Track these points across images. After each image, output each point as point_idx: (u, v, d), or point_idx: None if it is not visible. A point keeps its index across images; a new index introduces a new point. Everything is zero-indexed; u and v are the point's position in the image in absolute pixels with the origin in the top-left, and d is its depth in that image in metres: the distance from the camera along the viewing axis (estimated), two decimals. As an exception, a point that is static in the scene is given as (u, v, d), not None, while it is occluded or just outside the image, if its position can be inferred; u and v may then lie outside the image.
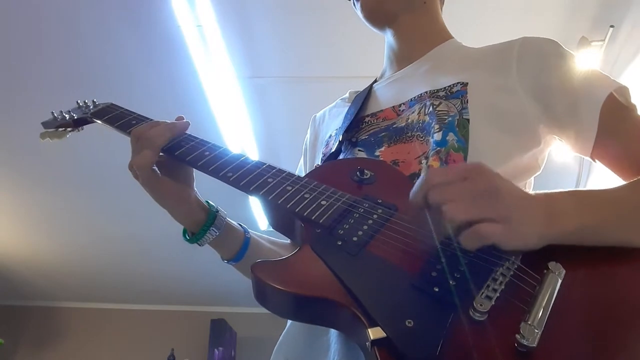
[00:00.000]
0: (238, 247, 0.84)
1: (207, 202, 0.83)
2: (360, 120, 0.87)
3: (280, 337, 0.76)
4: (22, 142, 2.84)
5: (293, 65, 2.47)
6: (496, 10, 2.14)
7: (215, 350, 4.13)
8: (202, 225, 0.80)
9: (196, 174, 0.81)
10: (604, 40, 2.12)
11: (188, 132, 0.81)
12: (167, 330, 4.48)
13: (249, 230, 0.87)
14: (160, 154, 0.76)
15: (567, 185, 2.83)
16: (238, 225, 0.86)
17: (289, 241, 0.96)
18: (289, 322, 0.77)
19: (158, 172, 0.76)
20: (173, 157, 0.76)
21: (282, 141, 2.86)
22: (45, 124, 0.94)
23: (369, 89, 0.94)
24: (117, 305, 4.65)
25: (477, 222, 0.50)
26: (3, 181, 3.24)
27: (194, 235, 0.80)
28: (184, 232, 0.82)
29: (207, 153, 0.75)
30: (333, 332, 0.65)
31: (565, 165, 2.72)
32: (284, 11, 2.20)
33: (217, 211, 0.82)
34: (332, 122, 0.96)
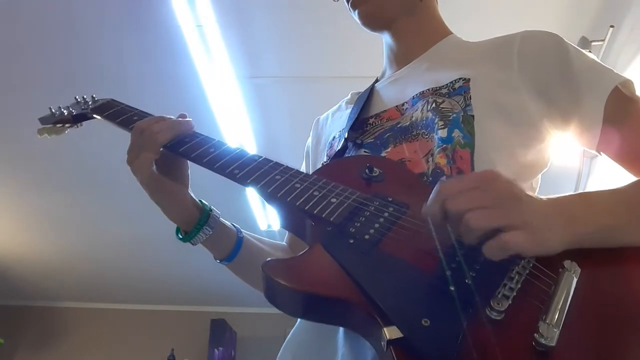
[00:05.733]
0: (231, 247, 0.84)
1: (200, 201, 0.82)
2: (364, 122, 0.86)
3: (289, 335, 0.76)
4: (23, 143, 2.84)
5: (293, 65, 2.47)
6: (496, 10, 2.14)
7: (215, 350, 4.13)
8: (195, 223, 0.79)
9: (192, 172, 0.81)
10: (604, 40, 2.11)
11: None
12: (167, 330, 4.47)
13: (243, 230, 0.87)
14: (162, 149, 0.76)
15: (567, 186, 2.83)
16: (231, 225, 0.86)
17: (283, 242, 0.96)
18: (298, 320, 0.76)
19: (155, 170, 0.76)
20: (177, 154, 0.76)
21: (282, 141, 2.86)
22: (43, 120, 0.93)
23: (371, 89, 0.93)
24: (117, 305, 4.64)
25: (501, 228, 0.49)
26: (3, 182, 3.23)
27: (187, 234, 0.80)
28: (177, 230, 0.82)
29: (212, 150, 0.74)
30: (341, 334, 0.65)
31: (565, 166, 2.72)
32: (283, 11, 2.20)
33: (211, 210, 0.82)
34: (334, 124, 0.95)
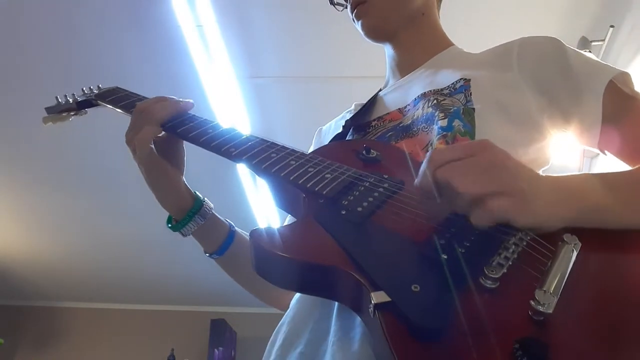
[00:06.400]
0: (222, 240, 0.83)
1: (194, 192, 0.83)
2: (367, 124, 0.87)
3: (282, 318, 0.76)
4: (23, 143, 2.84)
5: (293, 65, 2.47)
6: (496, 10, 2.14)
7: (215, 350, 4.13)
8: (188, 212, 0.80)
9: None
10: (604, 40, 2.12)
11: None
12: (167, 330, 4.47)
13: (235, 226, 0.87)
14: (162, 133, 0.76)
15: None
16: (224, 219, 0.85)
17: None
18: (292, 303, 0.76)
19: (155, 150, 0.76)
20: (175, 135, 0.76)
21: (281, 141, 2.86)
22: (49, 109, 0.94)
23: (374, 97, 0.95)
24: (117, 305, 4.64)
25: (489, 195, 0.48)
26: (3, 181, 3.23)
27: (178, 223, 0.80)
28: (169, 219, 0.82)
29: (210, 131, 0.75)
30: (334, 317, 0.64)
31: (566, 166, 2.72)
32: (283, 11, 2.20)
33: (204, 201, 0.82)
34: (336, 131, 0.96)
